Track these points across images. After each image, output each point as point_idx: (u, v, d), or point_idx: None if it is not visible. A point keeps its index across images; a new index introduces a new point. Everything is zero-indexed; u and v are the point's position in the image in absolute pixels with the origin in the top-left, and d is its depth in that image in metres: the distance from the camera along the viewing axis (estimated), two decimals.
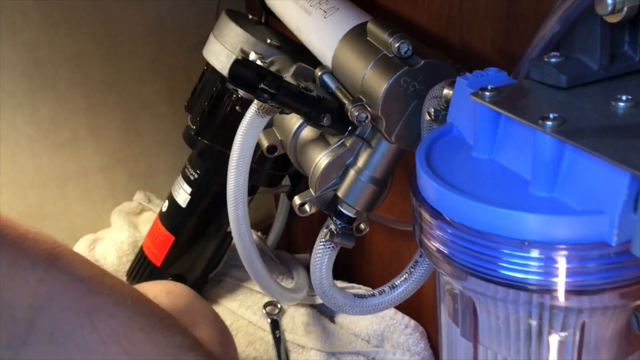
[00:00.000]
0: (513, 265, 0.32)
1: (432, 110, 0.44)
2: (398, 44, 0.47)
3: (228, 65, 0.70)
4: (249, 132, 0.56)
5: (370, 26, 0.51)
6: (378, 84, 0.48)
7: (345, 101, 0.51)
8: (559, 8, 0.35)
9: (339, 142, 0.52)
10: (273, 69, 0.67)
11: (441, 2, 0.57)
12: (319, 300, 0.78)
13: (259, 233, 0.95)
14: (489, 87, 0.36)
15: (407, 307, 0.72)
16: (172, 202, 0.79)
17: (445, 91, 0.43)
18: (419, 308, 0.75)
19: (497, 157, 0.37)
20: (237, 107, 0.71)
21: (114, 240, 0.86)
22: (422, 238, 0.38)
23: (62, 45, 0.84)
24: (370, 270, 0.85)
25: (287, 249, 1.07)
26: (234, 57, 0.69)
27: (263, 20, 0.78)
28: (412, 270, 0.56)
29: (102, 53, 0.87)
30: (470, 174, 0.36)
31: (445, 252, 0.36)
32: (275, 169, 0.73)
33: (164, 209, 0.80)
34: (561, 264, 0.31)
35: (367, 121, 0.49)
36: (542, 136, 0.32)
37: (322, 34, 0.58)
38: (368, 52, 0.50)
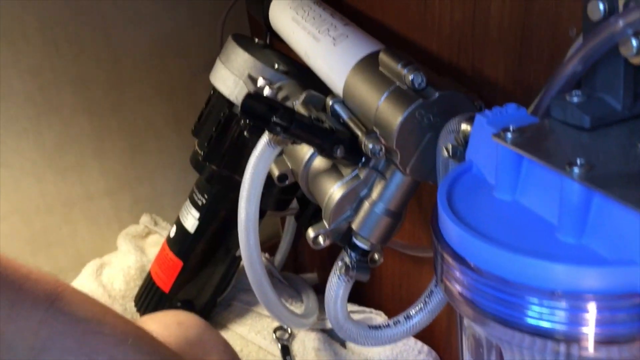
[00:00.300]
0: (540, 314, 0.32)
1: (450, 146, 0.43)
2: (412, 76, 0.46)
3: (235, 91, 0.70)
4: (260, 162, 0.56)
5: (383, 57, 0.50)
6: (392, 116, 0.47)
7: (359, 132, 0.50)
8: (583, 48, 0.34)
9: (353, 174, 0.52)
10: (281, 94, 0.66)
11: (451, 28, 0.57)
12: (329, 325, 0.77)
13: (266, 255, 0.94)
14: (511, 128, 0.36)
15: (420, 332, 0.71)
16: (180, 228, 0.78)
17: (463, 126, 0.43)
18: (432, 332, 0.74)
19: (520, 198, 0.36)
20: (245, 133, 0.70)
21: (121, 265, 0.86)
22: (444, 279, 0.37)
23: (65, 70, 0.84)
24: (381, 291, 0.84)
25: (294, 268, 1.07)
26: (241, 83, 0.69)
27: (267, 42, 0.77)
28: (427, 300, 0.55)
29: (106, 77, 0.87)
30: (493, 216, 0.36)
31: (468, 296, 0.35)
32: (283, 192, 0.73)
33: (172, 235, 0.80)
34: (591, 313, 0.30)
35: (381, 153, 0.48)
36: (569, 183, 0.31)
37: (332, 62, 0.57)
38: (381, 83, 0.49)
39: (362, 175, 0.51)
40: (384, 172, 0.51)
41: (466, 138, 0.42)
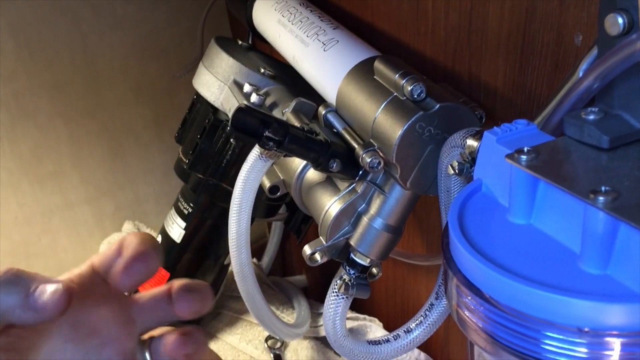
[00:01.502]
0: (560, 350, 0.30)
1: (456, 163, 0.41)
2: (411, 87, 0.44)
3: (220, 98, 0.67)
4: (251, 176, 0.53)
5: (378, 65, 0.48)
6: (391, 129, 0.45)
7: (355, 145, 0.48)
8: (601, 64, 0.33)
9: (350, 188, 0.50)
10: (269, 100, 0.64)
11: (446, 32, 0.54)
12: (322, 333, 0.76)
13: (254, 260, 0.92)
14: (525, 149, 0.34)
15: None
16: (166, 237, 0.76)
17: (469, 142, 0.41)
18: (429, 340, 0.72)
19: (536, 222, 0.34)
20: (231, 140, 0.68)
21: None
22: (456, 307, 0.36)
23: (40, 76, 0.81)
24: (375, 297, 0.82)
25: (282, 270, 1.05)
26: (226, 89, 0.67)
27: (250, 43, 0.75)
28: (427, 313, 0.53)
29: (83, 81, 0.84)
30: (508, 242, 0.34)
31: (483, 327, 0.34)
32: (272, 199, 0.71)
33: None
34: (615, 351, 0.29)
35: (380, 167, 0.46)
36: (594, 212, 0.29)
37: (323, 69, 0.55)
38: (377, 94, 0.47)
39: (360, 188, 0.49)
40: (382, 186, 0.49)
41: (472, 155, 0.41)
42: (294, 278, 0.96)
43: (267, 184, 0.58)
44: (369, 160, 0.46)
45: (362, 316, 0.78)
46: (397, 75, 0.46)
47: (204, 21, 0.83)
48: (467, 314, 0.35)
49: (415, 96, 0.45)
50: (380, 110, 0.46)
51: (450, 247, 0.35)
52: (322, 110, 0.53)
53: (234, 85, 0.65)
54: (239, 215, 0.55)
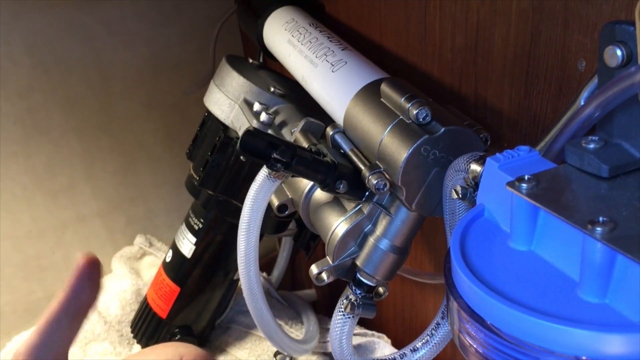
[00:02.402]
0: None
1: (459, 188, 0.42)
2: (417, 111, 0.45)
3: (231, 116, 0.68)
4: (259, 196, 0.54)
5: (385, 88, 0.49)
6: (397, 152, 0.46)
7: (362, 167, 0.48)
8: (600, 94, 0.33)
9: (356, 209, 0.50)
10: (278, 119, 0.65)
11: (452, 56, 0.55)
12: (330, 349, 0.76)
13: (264, 274, 0.92)
14: (526, 177, 0.34)
15: None
16: (176, 252, 0.77)
17: (472, 166, 0.41)
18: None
19: (536, 249, 0.35)
20: (241, 157, 0.69)
21: (116, 289, 0.84)
22: (458, 332, 0.36)
23: (54, 91, 0.82)
24: (383, 314, 0.83)
25: (291, 284, 1.05)
26: (236, 107, 0.67)
27: (261, 61, 0.76)
28: (433, 332, 0.54)
29: (96, 97, 0.85)
30: (509, 269, 0.34)
31: (483, 353, 0.34)
32: (282, 216, 0.71)
33: (168, 259, 0.78)
34: None
35: (385, 189, 0.47)
36: (592, 242, 0.30)
37: (331, 90, 0.56)
38: (384, 116, 0.48)
39: (366, 209, 0.50)
40: (388, 207, 0.49)
41: (476, 179, 0.41)
42: (303, 292, 0.97)
43: (275, 202, 0.58)
44: (375, 182, 0.47)
45: (370, 332, 0.79)
46: (403, 99, 0.46)
47: (216, 38, 0.85)
48: (467, 339, 0.35)
49: (421, 120, 0.45)
50: (386, 132, 0.47)
51: (452, 272, 0.36)
52: (329, 131, 0.53)
53: (244, 103, 0.66)
54: (247, 234, 0.56)
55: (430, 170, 0.46)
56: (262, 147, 0.46)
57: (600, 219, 0.30)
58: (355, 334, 0.78)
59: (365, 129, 0.49)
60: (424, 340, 0.55)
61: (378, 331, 0.79)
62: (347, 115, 0.52)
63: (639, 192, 0.33)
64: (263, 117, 0.63)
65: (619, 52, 0.34)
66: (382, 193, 0.47)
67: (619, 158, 0.34)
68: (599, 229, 0.30)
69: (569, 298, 0.31)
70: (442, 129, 0.45)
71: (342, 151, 0.52)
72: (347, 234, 0.50)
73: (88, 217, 0.89)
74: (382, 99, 0.49)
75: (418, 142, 0.45)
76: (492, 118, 0.53)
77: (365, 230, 0.50)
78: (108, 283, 0.87)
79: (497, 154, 0.38)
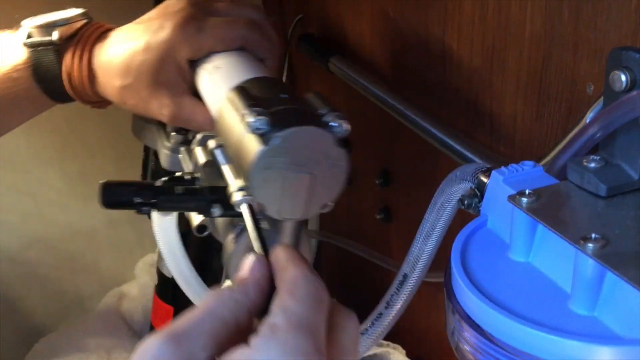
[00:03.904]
0: None
1: (466, 200, 0.43)
2: (252, 121, 0.41)
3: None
4: (164, 233, 0.56)
5: (231, 96, 0.45)
6: (246, 169, 0.43)
7: (230, 185, 0.45)
8: (603, 115, 0.35)
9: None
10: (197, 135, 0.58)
11: (469, 74, 0.57)
12: None
13: None
14: (527, 192, 0.36)
15: None
16: (160, 275, 0.78)
17: (480, 178, 0.43)
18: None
19: (534, 261, 0.36)
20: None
21: (140, 298, 0.87)
22: (456, 338, 0.38)
23: None
24: (398, 324, 0.84)
25: None
26: (153, 129, 0.66)
27: None
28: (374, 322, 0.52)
29: None
30: (507, 279, 0.36)
31: (478, 358, 0.36)
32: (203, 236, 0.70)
33: (156, 282, 0.80)
34: None
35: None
36: (583, 257, 0.31)
37: (209, 99, 0.52)
38: (235, 126, 0.44)
39: None
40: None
41: (481, 190, 0.43)
42: None
43: (194, 223, 0.54)
44: (236, 200, 0.43)
45: (385, 342, 0.80)
46: (244, 111, 0.42)
47: None
48: (465, 346, 0.37)
49: (258, 130, 0.41)
50: (237, 146, 0.44)
51: (451, 278, 0.37)
52: (210, 145, 0.50)
53: (159, 124, 0.64)
54: (174, 263, 0.58)
55: (282, 176, 0.43)
56: (123, 197, 0.46)
57: (593, 235, 0.31)
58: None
59: (227, 141, 0.46)
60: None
61: (393, 342, 0.80)
62: (217, 125, 0.49)
63: (633, 212, 0.34)
64: (175, 136, 0.61)
65: (623, 77, 0.36)
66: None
67: (617, 178, 0.36)
68: (590, 245, 0.31)
69: (560, 309, 0.33)
70: (279, 138, 0.41)
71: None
72: (235, 254, 0.49)
73: (118, 223, 0.92)
74: (232, 109, 0.45)
75: (257, 158, 0.41)
76: (505, 136, 0.55)
77: None
78: (132, 290, 0.90)
79: (503, 167, 0.40)
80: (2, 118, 0.58)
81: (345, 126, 0.43)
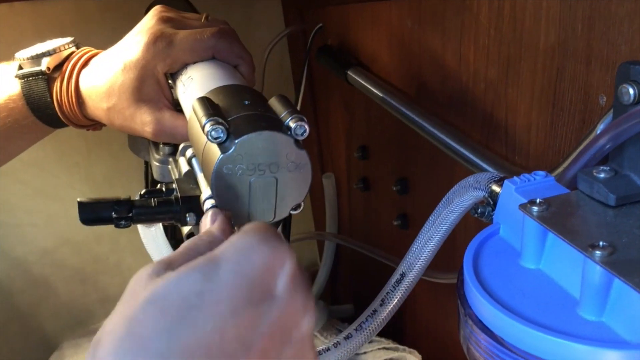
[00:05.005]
0: None
1: (479, 209, 0.45)
2: (210, 129, 0.42)
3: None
4: (153, 243, 0.60)
5: (195, 106, 0.45)
6: (208, 178, 0.44)
7: (202, 193, 0.46)
8: (612, 127, 0.36)
9: None
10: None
11: (485, 85, 0.58)
12: None
13: None
14: (537, 201, 0.37)
15: None
16: None
17: (493, 187, 0.44)
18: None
19: (544, 268, 0.37)
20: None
21: None
22: (467, 342, 0.39)
23: None
24: (415, 328, 0.85)
25: (331, 299, 1.09)
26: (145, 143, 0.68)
27: None
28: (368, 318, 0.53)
29: None
30: (518, 285, 0.37)
31: None
32: None
33: None
34: None
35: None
36: (591, 264, 0.32)
37: (186, 110, 0.53)
38: (199, 136, 0.45)
39: None
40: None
41: (494, 199, 0.44)
42: (340, 307, 1.00)
43: (184, 230, 0.56)
44: (206, 208, 0.44)
45: (402, 347, 0.81)
46: (204, 120, 0.43)
47: (265, 63, 0.89)
48: (477, 350, 0.38)
49: (215, 139, 0.42)
50: (202, 155, 0.45)
51: (464, 284, 0.39)
52: (187, 154, 0.52)
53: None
54: None
55: (246, 183, 0.44)
56: (101, 215, 0.48)
57: (601, 243, 0.33)
58: (387, 348, 0.81)
59: (196, 150, 0.47)
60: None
61: (410, 347, 0.81)
62: (188, 135, 0.50)
63: None
64: (163, 148, 0.62)
65: (631, 91, 0.37)
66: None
67: (626, 188, 0.37)
68: (598, 252, 0.32)
69: (569, 315, 0.34)
70: (235, 143, 0.42)
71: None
72: None
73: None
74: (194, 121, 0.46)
75: (216, 167, 0.43)
76: (520, 146, 0.56)
77: None
78: None
79: (515, 177, 0.41)
80: (3, 146, 0.60)
81: (306, 127, 0.44)
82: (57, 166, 0.86)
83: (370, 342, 0.81)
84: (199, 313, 0.31)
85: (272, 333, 0.32)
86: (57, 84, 0.57)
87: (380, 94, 0.70)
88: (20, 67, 0.58)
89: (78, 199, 0.49)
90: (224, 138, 0.42)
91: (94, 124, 0.62)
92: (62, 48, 0.59)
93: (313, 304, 0.35)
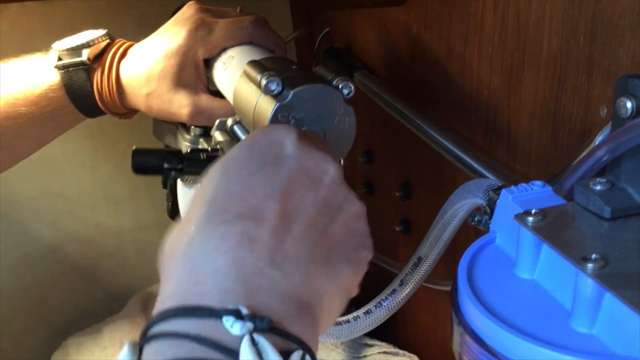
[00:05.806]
0: None
1: (476, 217, 0.45)
2: (266, 82, 0.45)
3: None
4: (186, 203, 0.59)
5: (247, 68, 0.50)
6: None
7: None
8: (610, 139, 0.36)
9: None
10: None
11: (489, 93, 0.58)
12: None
13: None
14: (533, 211, 0.37)
15: None
16: None
17: (490, 195, 0.44)
18: None
19: (538, 278, 0.37)
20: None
21: None
22: (461, 352, 0.39)
23: None
24: (416, 333, 0.85)
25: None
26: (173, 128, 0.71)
27: None
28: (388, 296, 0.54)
29: None
30: (511, 295, 0.37)
31: None
32: None
33: None
34: None
35: None
36: (583, 277, 0.33)
37: (225, 83, 0.58)
38: (251, 96, 0.48)
39: None
40: None
41: (492, 207, 0.44)
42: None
43: None
44: None
45: (402, 352, 0.81)
46: (260, 77, 0.47)
47: None
48: (468, 357, 0.38)
49: (272, 90, 0.46)
50: (254, 112, 0.48)
51: (457, 293, 0.39)
52: (229, 123, 0.54)
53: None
54: None
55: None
56: (152, 163, 0.51)
57: (593, 256, 0.33)
58: (386, 352, 0.81)
59: (243, 111, 0.50)
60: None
61: (409, 351, 0.81)
62: (234, 102, 0.53)
63: (635, 234, 0.35)
64: (194, 129, 0.66)
65: (629, 104, 0.37)
66: None
67: (622, 201, 0.37)
68: (590, 265, 0.32)
69: (562, 327, 0.34)
70: (291, 93, 0.46)
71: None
72: None
73: (145, 227, 0.95)
74: (248, 80, 0.50)
75: (272, 114, 0.46)
76: (522, 155, 0.56)
77: None
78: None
79: (512, 186, 0.41)
80: (42, 132, 0.64)
81: (351, 87, 0.47)
82: (64, 165, 0.87)
83: (370, 346, 0.81)
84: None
85: (299, 180, 0.36)
86: (97, 74, 0.61)
87: (385, 98, 0.70)
88: (60, 59, 0.61)
89: (134, 147, 0.51)
90: (280, 89, 0.45)
91: (129, 112, 0.66)
92: (100, 40, 0.62)
93: (330, 157, 0.39)
